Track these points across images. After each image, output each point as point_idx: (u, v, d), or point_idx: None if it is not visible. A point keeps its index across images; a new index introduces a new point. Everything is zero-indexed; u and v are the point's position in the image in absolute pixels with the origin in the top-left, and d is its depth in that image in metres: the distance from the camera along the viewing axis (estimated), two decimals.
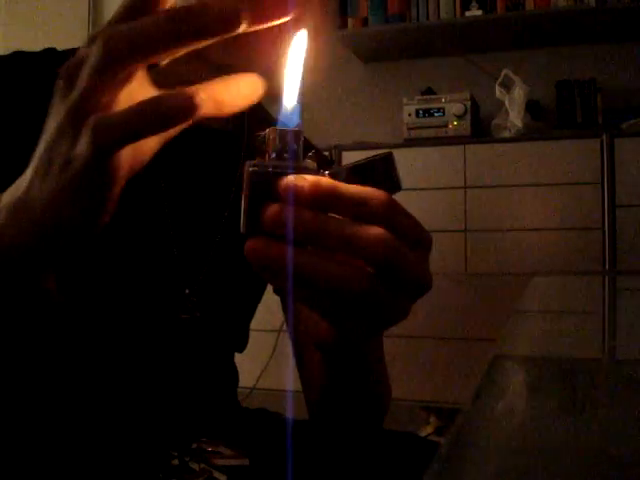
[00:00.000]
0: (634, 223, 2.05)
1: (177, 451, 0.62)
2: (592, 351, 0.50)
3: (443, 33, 2.54)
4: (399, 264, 0.35)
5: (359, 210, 0.34)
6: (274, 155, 0.35)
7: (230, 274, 0.72)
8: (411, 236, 0.36)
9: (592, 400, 0.37)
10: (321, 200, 0.34)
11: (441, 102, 2.41)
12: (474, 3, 2.44)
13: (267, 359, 2.27)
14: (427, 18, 2.50)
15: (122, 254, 0.63)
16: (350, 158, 2.35)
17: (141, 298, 0.65)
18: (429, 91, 2.56)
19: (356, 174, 0.37)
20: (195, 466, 0.60)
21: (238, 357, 0.80)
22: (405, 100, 2.46)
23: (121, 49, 0.32)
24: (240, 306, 0.76)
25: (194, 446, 0.63)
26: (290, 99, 0.36)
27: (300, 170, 0.35)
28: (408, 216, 0.36)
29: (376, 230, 0.34)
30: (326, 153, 2.16)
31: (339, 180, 0.35)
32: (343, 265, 0.34)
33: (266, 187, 0.34)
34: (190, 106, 0.32)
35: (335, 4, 2.56)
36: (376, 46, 2.68)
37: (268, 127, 0.35)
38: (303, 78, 0.36)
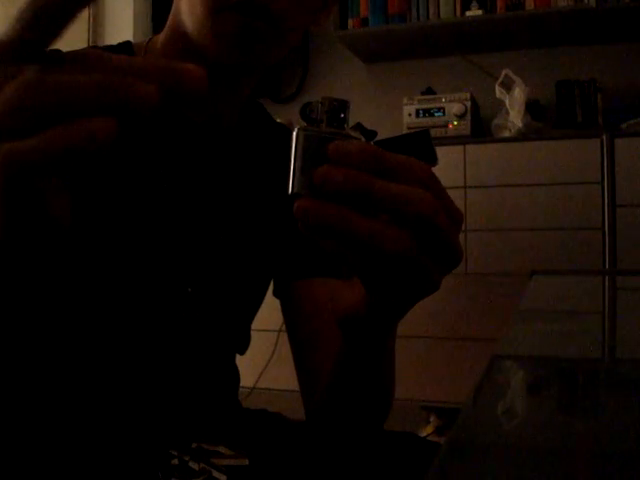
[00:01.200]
0: (634, 223, 2.05)
1: (177, 451, 0.62)
2: (592, 351, 0.50)
3: (443, 33, 2.54)
4: (439, 227, 0.37)
5: (403, 176, 0.36)
6: (322, 122, 0.37)
7: (233, 274, 0.72)
8: (447, 207, 0.38)
9: (592, 400, 0.37)
10: (369, 164, 0.35)
11: (441, 102, 2.41)
12: (474, 3, 2.44)
13: (267, 359, 2.27)
14: (427, 18, 2.50)
15: (125, 252, 0.63)
16: None
17: (143, 296, 0.65)
18: (429, 91, 2.56)
19: (397, 146, 0.39)
20: (195, 466, 0.60)
21: (238, 357, 0.80)
22: (405, 100, 2.45)
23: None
24: (243, 307, 0.76)
25: (194, 446, 0.63)
26: None
27: (347, 137, 0.37)
28: (444, 189, 0.38)
29: (420, 191, 0.36)
30: None
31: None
32: (388, 225, 0.36)
33: (315, 150, 0.36)
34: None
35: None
36: (376, 46, 2.68)
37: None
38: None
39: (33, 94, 0.30)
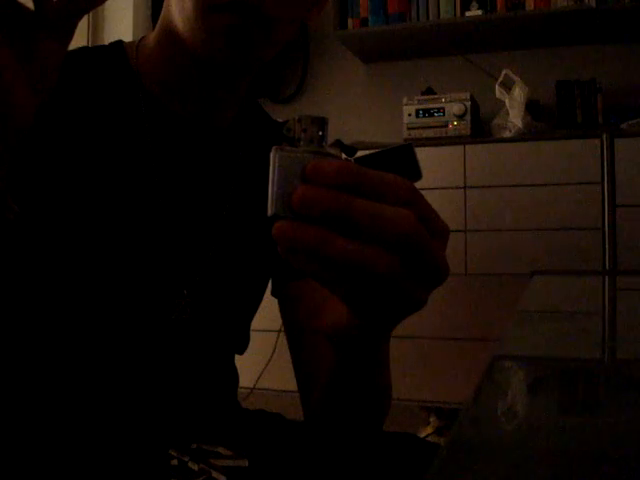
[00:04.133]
0: (634, 223, 2.05)
1: (176, 451, 0.62)
2: (592, 351, 0.50)
3: (443, 33, 2.54)
4: (421, 246, 0.36)
5: (384, 194, 0.35)
6: (300, 141, 0.36)
7: (229, 274, 0.72)
8: (431, 224, 0.37)
9: (592, 400, 0.36)
10: (347, 183, 0.34)
11: (441, 102, 2.40)
12: (474, 3, 2.44)
13: (267, 359, 2.27)
14: (427, 18, 2.50)
15: (120, 255, 0.63)
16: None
17: (139, 299, 0.65)
18: (429, 91, 2.56)
19: (379, 162, 0.37)
20: (194, 466, 0.60)
21: (238, 357, 0.80)
22: (405, 100, 2.45)
23: None
24: (240, 307, 0.76)
25: (193, 446, 0.63)
26: None
27: (326, 156, 0.36)
28: (429, 205, 0.37)
29: (401, 210, 0.35)
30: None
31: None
32: (369, 247, 0.35)
33: (293, 171, 0.35)
34: None
35: (335, 4, 2.56)
36: (376, 46, 2.68)
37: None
38: None
39: None
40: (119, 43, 0.70)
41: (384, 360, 0.62)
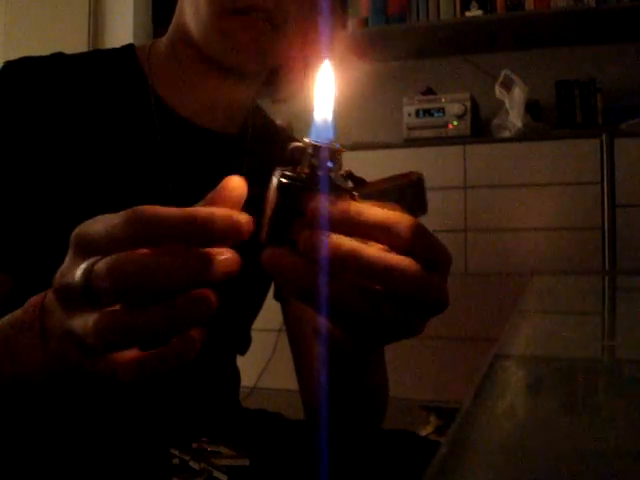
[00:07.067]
0: (634, 223, 2.05)
1: (178, 450, 0.62)
2: (592, 351, 0.50)
3: (443, 33, 2.54)
4: (421, 294, 0.36)
5: (385, 235, 0.35)
6: (306, 168, 0.35)
7: (236, 277, 0.72)
8: (433, 258, 0.36)
9: (592, 400, 0.37)
10: (348, 225, 0.34)
11: (441, 102, 2.41)
12: (474, 3, 2.44)
13: (267, 359, 2.27)
14: (427, 18, 2.50)
15: None
16: (350, 158, 2.35)
17: None
18: (429, 91, 2.56)
19: (386, 196, 0.36)
20: (195, 465, 0.60)
21: (238, 357, 0.80)
22: (405, 100, 2.45)
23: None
24: (244, 309, 0.76)
25: (194, 446, 0.63)
26: (324, 114, 0.36)
27: (331, 189, 0.34)
28: (431, 238, 0.36)
29: (404, 261, 0.35)
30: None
31: (369, 201, 0.35)
32: (364, 292, 0.35)
33: (294, 201, 0.34)
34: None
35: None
36: (376, 46, 2.68)
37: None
38: (335, 96, 0.36)
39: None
40: (130, 47, 0.70)
41: (379, 360, 0.62)
